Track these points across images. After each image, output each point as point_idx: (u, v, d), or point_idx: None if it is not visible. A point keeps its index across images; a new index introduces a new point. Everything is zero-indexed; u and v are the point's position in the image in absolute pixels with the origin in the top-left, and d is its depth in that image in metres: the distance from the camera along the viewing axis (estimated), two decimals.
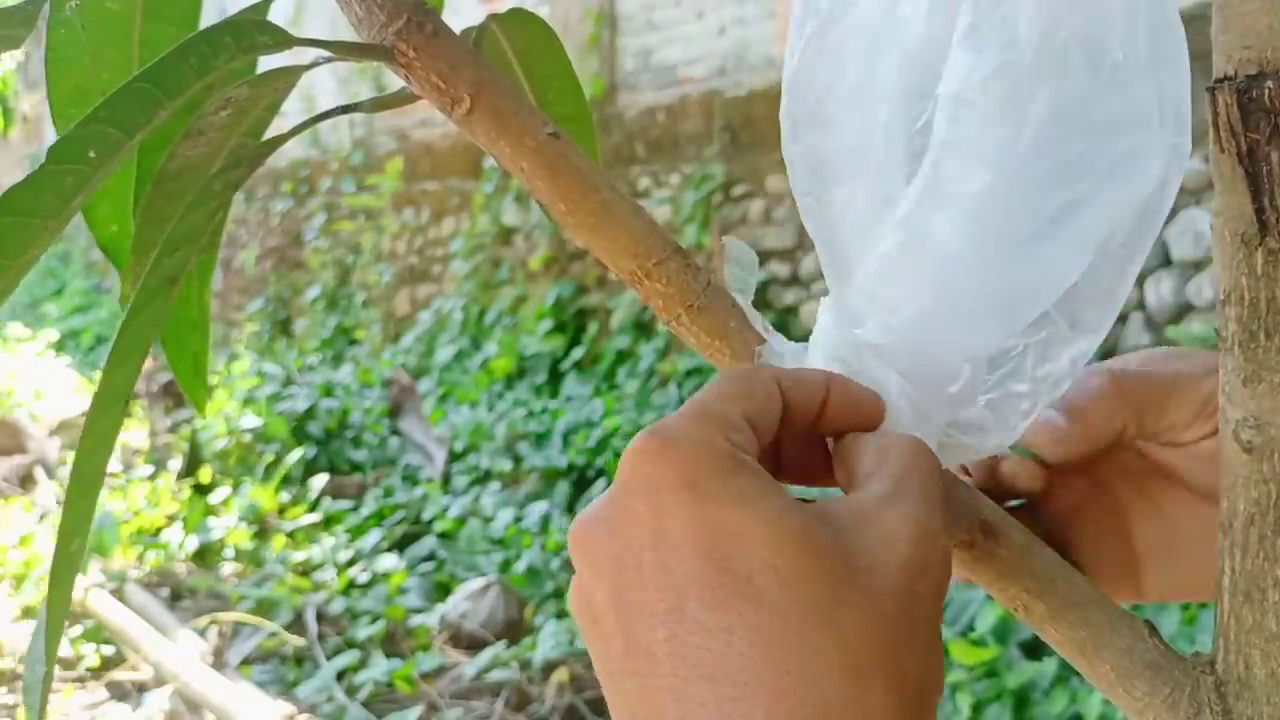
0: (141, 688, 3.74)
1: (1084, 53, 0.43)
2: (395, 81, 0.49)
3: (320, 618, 4.18)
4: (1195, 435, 0.52)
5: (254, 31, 0.42)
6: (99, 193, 0.50)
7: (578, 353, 6.10)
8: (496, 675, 3.60)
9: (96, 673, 3.87)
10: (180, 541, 4.86)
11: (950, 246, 0.44)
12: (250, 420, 5.73)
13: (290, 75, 0.46)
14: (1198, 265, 3.75)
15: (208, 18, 0.50)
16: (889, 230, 0.45)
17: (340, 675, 3.75)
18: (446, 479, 5.55)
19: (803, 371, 0.45)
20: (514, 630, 3.93)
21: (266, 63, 0.47)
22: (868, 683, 0.36)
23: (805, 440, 0.45)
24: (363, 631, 4.03)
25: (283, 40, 0.44)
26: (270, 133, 0.53)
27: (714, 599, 0.36)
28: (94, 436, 0.43)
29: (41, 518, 4.89)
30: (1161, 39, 0.44)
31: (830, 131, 0.46)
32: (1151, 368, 0.52)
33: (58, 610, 0.43)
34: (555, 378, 6.18)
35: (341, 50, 0.46)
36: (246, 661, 3.94)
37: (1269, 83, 0.44)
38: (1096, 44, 0.43)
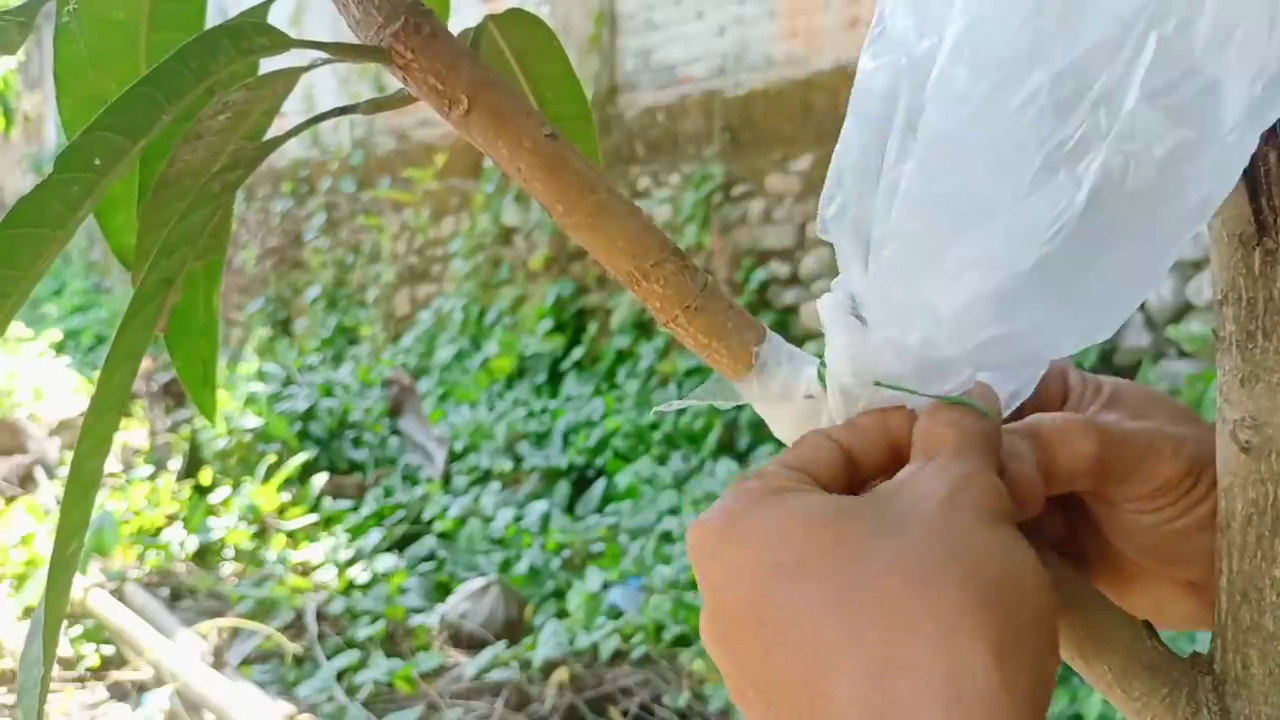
0: (141, 688, 3.74)
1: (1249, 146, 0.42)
2: (395, 82, 0.49)
3: (320, 617, 4.19)
4: (1135, 509, 0.50)
5: (252, 34, 0.42)
6: (114, 202, 0.51)
7: (578, 352, 6.10)
8: (496, 675, 3.60)
9: (96, 673, 3.88)
10: (180, 541, 4.86)
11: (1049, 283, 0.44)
12: (250, 420, 5.73)
13: (289, 77, 0.47)
14: (1197, 265, 3.75)
15: (210, 23, 0.51)
16: (1007, 248, 0.43)
17: (340, 675, 3.75)
18: (446, 479, 5.55)
19: (858, 420, 0.48)
20: (514, 630, 3.93)
21: (266, 65, 0.47)
22: (936, 583, 0.39)
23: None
24: (363, 631, 4.03)
25: (281, 43, 0.44)
26: (271, 132, 0.53)
27: (777, 590, 0.40)
28: (92, 438, 0.43)
29: (44, 514, 4.89)
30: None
31: (963, 113, 0.43)
32: (1134, 430, 0.49)
33: (55, 612, 0.43)
34: (555, 377, 6.19)
35: (339, 52, 0.46)
36: (246, 661, 3.94)
37: None
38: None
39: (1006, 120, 0.43)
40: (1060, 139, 0.42)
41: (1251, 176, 0.45)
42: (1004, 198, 0.43)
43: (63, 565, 0.42)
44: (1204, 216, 0.43)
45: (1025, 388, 0.49)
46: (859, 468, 0.46)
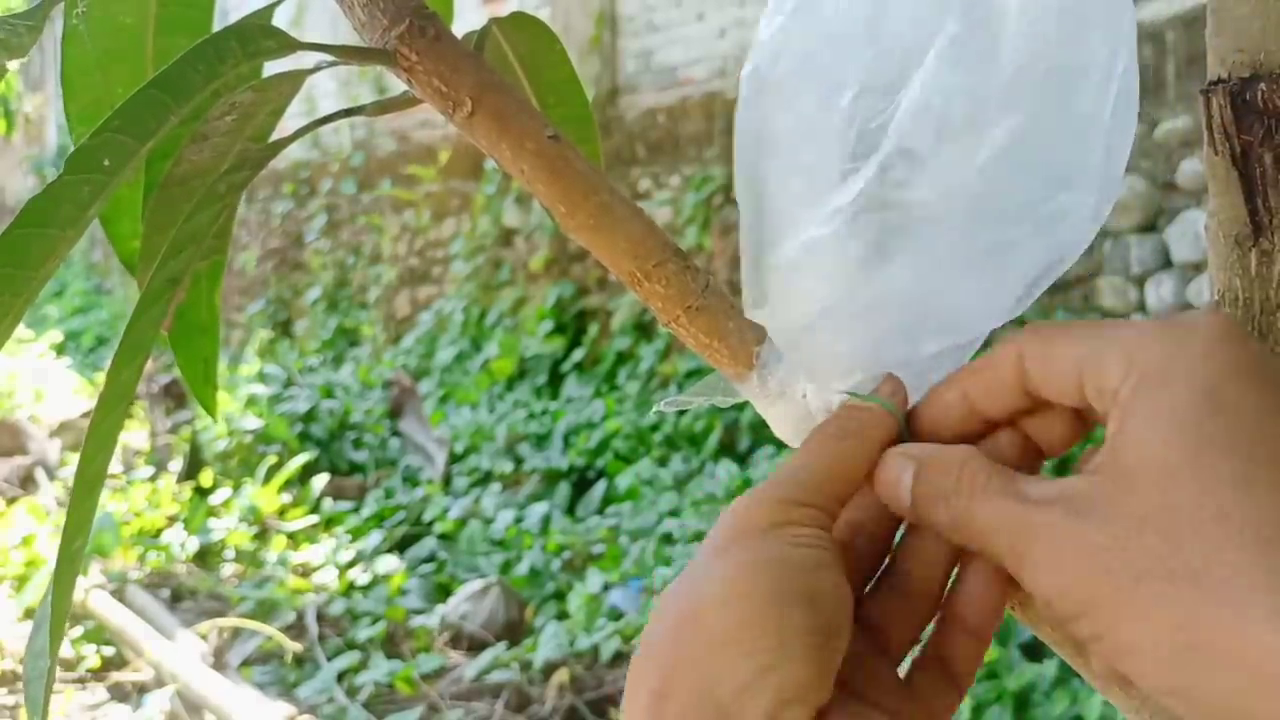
0: (142, 689, 3.74)
1: (1057, 95, 0.42)
2: (397, 84, 0.49)
3: (321, 619, 4.19)
4: None
5: (259, 36, 0.42)
6: (120, 208, 0.51)
7: (578, 354, 6.10)
8: (497, 676, 3.60)
9: (97, 674, 3.88)
10: (181, 543, 4.87)
11: (875, 251, 0.44)
12: (251, 421, 5.73)
13: (294, 80, 0.47)
14: (1198, 267, 3.75)
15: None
16: (816, 220, 0.44)
17: (341, 676, 3.75)
18: (447, 480, 5.55)
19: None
20: (514, 631, 3.93)
21: (271, 67, 0.47)
22: (643, 640, 0.39)
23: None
24: (363, 632, 4.04)
25: (287, 45, 0.44)
26: (273, 135, 0.53)
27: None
28: (99, 435, 0.43)
29: (45, 515, 4.89)
30: (1123, 102, 0.43)
31: (787, 106, 0.45)
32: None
33: (60, 605, 0.44)
34: (556, 379, 6.19)
35: (345, 54, 0.46)
36: (247, 662, 3.94)
37: (1262, 85, 0.45)
38: (1070, 90, 0.43)
39: (812, 102, 0.44)
40: (868, 114, 0.43)
41: (1247, 178, 0.46)
42: (809, 156, 0.44)
43: (69, 559, 0.43)
44: (1058, 183, 0.43)
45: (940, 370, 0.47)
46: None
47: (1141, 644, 0.36)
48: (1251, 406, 0.36)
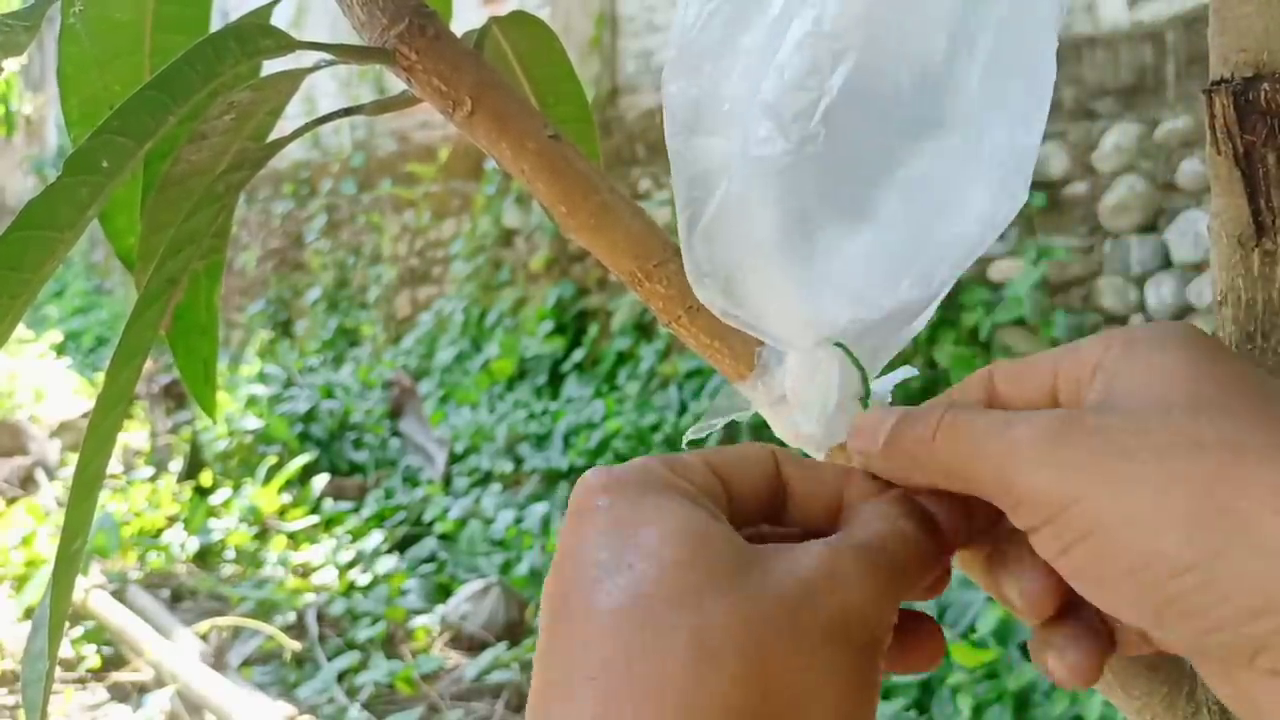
0: (142, 689, 3.74)
1: (918, 69, 0.42)
2: (397, 84, 0.49)
3: (321, 619, 4.19)
4: None
5: (258, 36, 0.42)
6: (116, 205, 0.51)
7: (578, 354, 6.10)
8: (497, 676, 3.60)
9: (97, 674, 3.88)
10: (181, 543, 4.87)
11: (756, 218, 0.43)
12: (251, 422, 5.73)
13: (293, 79, 0.47)
14: (1198, 267, 3.75)
15: (212, 25, 0.51)
16: (741, 176, 0.44)
17: (341, 676, 3.75)
18: (447, 480, 5.55)
19: (817, 463, 0.43)
20: (515, 631, 3.93)
21: (270, 66, 0.47)
22: (715, 664, 0.33)
23: None
24: (363, 633, 4.03)
25: (286, 44, 0.44)
26: (273, 135, 0.53)
27: (584, 588, 0.36)
28: (97, 436, 0.43)
29: (45, 515, 4.89)
30: (1034, 84, 0.43)
31: (701, 80, 0.45)
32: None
33: (59, 607, 0.44)
34: (556, 379, 6.19)
35: (344, 54, 0.46)
36: (247, 663, 3.94)
37: (1265, 85, 0.45)
38: (945, 70, 0.42)
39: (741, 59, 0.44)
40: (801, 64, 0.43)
41: (1250, 179, 0.45)
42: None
43: (67, 561, 0.43)
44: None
45: (883, 352, 0.46)
46: (795, 508, 0.41)
47: (1145, 514, 0.32)
48: (1237, 367, 0.35)
